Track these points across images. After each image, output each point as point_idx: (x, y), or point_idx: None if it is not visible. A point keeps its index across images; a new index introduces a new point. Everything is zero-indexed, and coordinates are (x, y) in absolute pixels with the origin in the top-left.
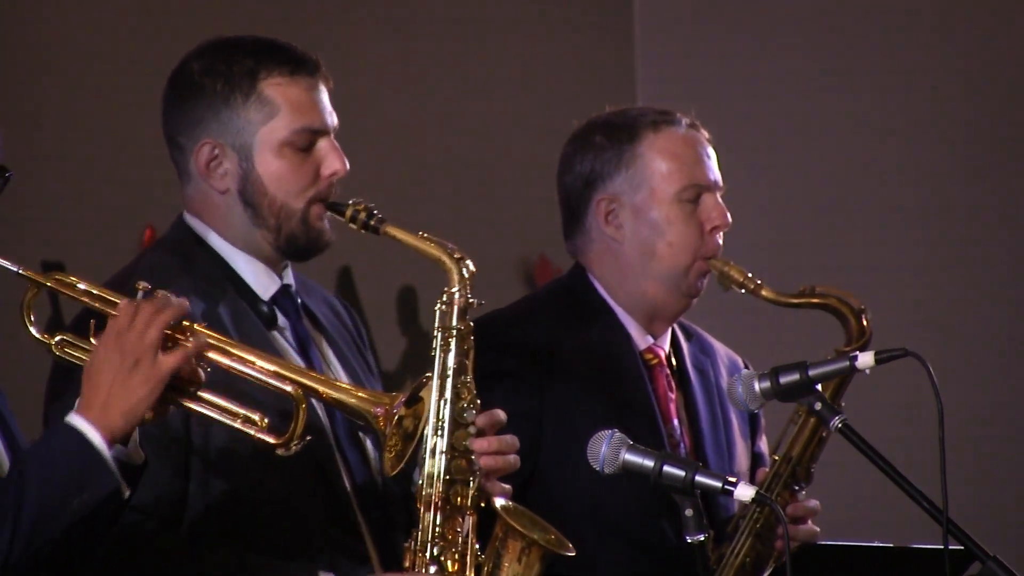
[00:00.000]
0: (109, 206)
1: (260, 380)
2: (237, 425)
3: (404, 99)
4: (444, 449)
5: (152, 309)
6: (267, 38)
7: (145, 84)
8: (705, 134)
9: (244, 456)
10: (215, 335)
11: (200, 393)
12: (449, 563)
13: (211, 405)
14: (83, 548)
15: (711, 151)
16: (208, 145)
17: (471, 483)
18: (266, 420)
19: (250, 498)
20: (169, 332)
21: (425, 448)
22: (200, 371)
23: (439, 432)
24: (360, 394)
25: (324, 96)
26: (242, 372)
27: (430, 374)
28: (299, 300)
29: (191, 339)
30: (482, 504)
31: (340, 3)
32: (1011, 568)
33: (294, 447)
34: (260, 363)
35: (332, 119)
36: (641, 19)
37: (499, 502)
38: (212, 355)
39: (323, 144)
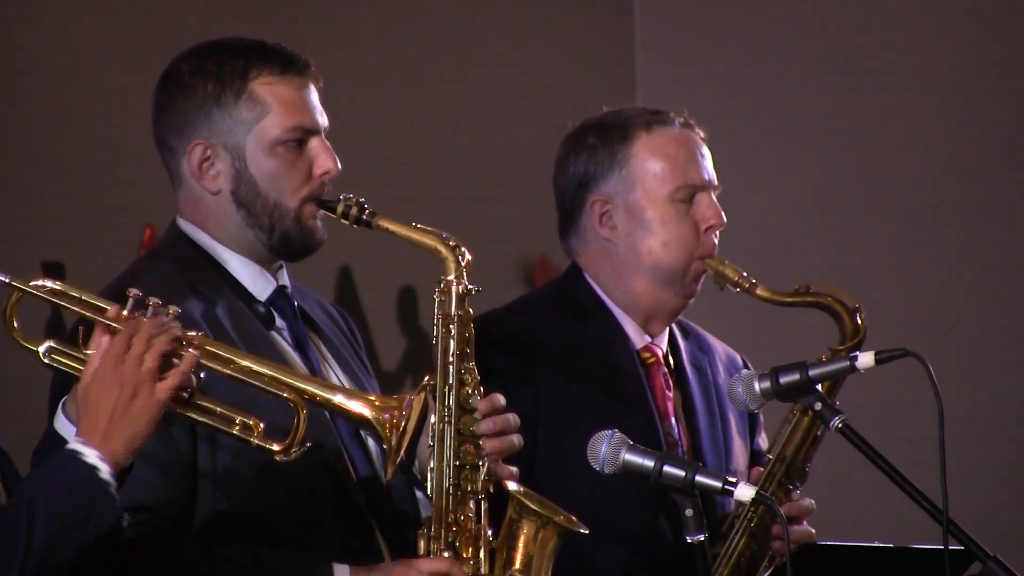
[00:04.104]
0: (109, 206)
1: (259, 388)
2: (235, 432)
3: (404, 99)
4: (452, 435)
5: (147, 335)
6: (255, 39)
7: (145, 84)
8: (700, 133)
9: (253, 457)
10: (211, 343)
11: (195, 400)
12: (463, 548)
13: (207, 412)
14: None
15: (705, 150)
16: (200, 146)
17: (480, 468)
18: (261, 426)
19: (260, 500)
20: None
21: (433, 436)
22: (192, 377)
23: (446, 419)
24: (372, 400)
25: (314, 95)
26: (240, 381)
27: (429, 376)
28: (295, 302)
29: (186, 351)
30: (491, 489)
31: (341, 3)
32: (1011, 568)
33: (294, 453)
34: (259, 369)
35: (323, 119)
36: (641, 19)
37: (511, 485)
38: (210, 363)
39: (314, 143)
